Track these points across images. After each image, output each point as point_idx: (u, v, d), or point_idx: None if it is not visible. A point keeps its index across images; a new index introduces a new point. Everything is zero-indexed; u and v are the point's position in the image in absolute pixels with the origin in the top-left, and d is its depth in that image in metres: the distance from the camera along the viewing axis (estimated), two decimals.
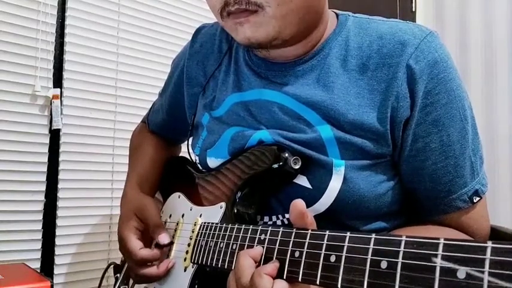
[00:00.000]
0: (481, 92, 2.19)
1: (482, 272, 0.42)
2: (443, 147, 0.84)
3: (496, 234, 0.99)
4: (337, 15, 0.95)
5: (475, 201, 0.87)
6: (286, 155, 0.83)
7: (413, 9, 2.35)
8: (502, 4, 2.19)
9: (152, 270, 0.97)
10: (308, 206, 0.84)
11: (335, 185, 0.83)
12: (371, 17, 0.92)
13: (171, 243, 0.98)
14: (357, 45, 0.87)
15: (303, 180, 0.85)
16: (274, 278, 0.65)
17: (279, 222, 0.89)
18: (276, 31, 0.83)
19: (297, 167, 0.83)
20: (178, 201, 1.06)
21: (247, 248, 0.74)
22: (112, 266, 1.23)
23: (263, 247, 0.71)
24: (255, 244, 0.73)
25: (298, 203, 0.67)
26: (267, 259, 0.69)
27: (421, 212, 0.91)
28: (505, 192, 2.12)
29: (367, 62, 0.85)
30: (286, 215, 0.88)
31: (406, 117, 0.83)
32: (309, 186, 0.85)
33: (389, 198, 0.87)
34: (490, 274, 0.41)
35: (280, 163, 0.84)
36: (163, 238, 0.97)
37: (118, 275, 1.13)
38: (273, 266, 0.66)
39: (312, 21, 0.88)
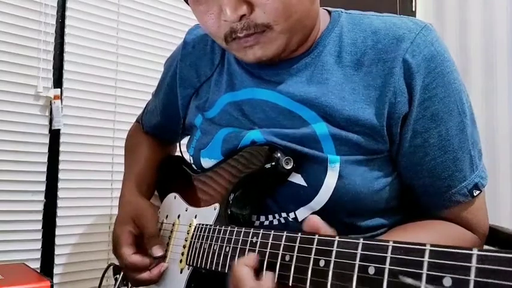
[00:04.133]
0: (481, 92, 2.18)
1: (468, 281, 0.42)
2: (442, 142, 0.83)
3: (496, 234, 0.99)
4: (329, 12, 0.94)
5: (474, 194, 0.86)
6: (278, 155, 0.83)
7: (413, 9, 2.35)
8: (502, 4, 2.18)
9: (145, 275, 0.97)
10: (304, 204, 0.84)
11: (330, 181, 0.82)
12: (364, 12, 0.92)
13: (164, 256, 0.98)
14: (350, 41, 0.87)
15: (297, 178, 0.84)
16: None
17: (275, 222, 0.89)
18: (285, 44, 0.83)
19: (288, 167, 0.83)
20: (174, 202, 1.05)
21: (239, 251, 0.74)
22: (112, 266, 1.23)
23: (255, 250, 0.70)
24: (247, 247, 0.72)
25: (312, 222, 0.66)
26: (259, 262, 0.68)
27: (421, 207, 0.91)
28: (505, 192, 2.11)
29: (362, 58, 0.84)
30: (283, 214, 0.88)
31: (404, 113, 0.82)
32: (304, 184, 0.84)
33: (386, 194, 0.86)
34: (476, 282, 0.41)
35: (273, 163, 0.83)
36: (156, 250, 0.96)
37: (118, 275, 1.13)
38: (270, 277, 0.65)
39: (311, 24, 0.87)
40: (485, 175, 0.89)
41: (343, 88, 0.84)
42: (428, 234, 0.86)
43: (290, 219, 0.87)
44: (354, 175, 0.82)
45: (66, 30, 1.78)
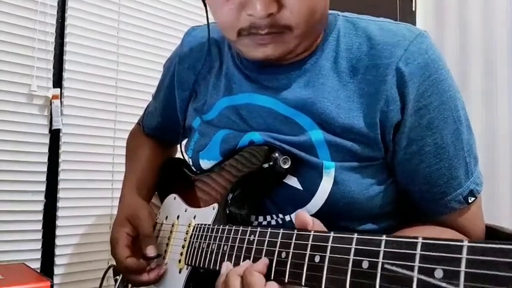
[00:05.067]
0: (481, 92, 2.18)
1: (459, 272, 0.42)
2: (437, 149, 0.83)
3: (496, 234, 0.99)
4: None
5: (470, 201, 0.86)
6: (276, 154, 0.83)
7: (414, 9, 2.35)
8: (502, 4, 2.17)
9: (143, 277, 0.97)
10: (299, 207, 0.85)
11: (326, 186, 0.82)
12: (360, 16, 0.91)
13: (159, 255, 0.98)
14: (346, 46, 0.87)
15: (293, 182, 0.85)
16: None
17: (273, 222, 0.89)
18: (295, 46, 0.84)
19: (286, 166, 0.83)
20: (173, 203, 1.06)
21: (237, 249, 0.75)
22: (112, 267, 1.24)
23: (252, 248, 0.71)
24: (245, 245, 0.73)
25: (300, 216, 0.67)
26: (256, 260, 0.69)
27: (417, 213, 0.91)
28: (505, 192, 2.11)
29: (357, 64, 0.84)
30: (280, 215, 0.88)
31: (396, 121, 0.82)
32: (300, 187, 0.84)
33: (382, 200, 0.87)
34: (466, 273, 0.42)
35: (271, 163, 0.83)
36: (150, 251, 0.97)
37: (118, 276, 1.13)
38: (263, 264, 0.66)
39: (321, 30, 0.88)
40: (480, 182, 0.88)
41: (338, 95, 0.84)
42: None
43: (287, 221, 0.87)
44: (349, 181, 0.83)
45: (67, 30, 1.79)
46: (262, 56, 0.84)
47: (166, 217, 1.06)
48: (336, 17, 0.91)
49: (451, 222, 0.88)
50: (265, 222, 0.90)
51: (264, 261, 0.67)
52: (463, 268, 0.42)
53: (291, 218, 0.87)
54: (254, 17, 0.78)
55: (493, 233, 0.98)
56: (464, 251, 0.42)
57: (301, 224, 0.66)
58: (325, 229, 0.70)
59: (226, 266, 0.74)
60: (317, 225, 0.68)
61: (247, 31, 0.82)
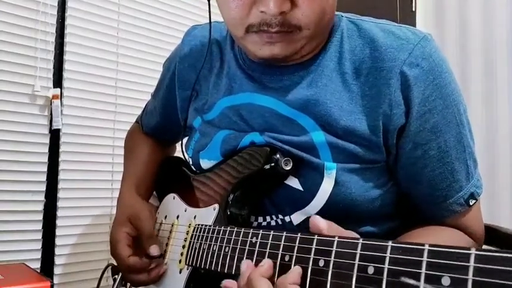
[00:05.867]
0: (481, 92, 2.18)
1: (466, 280, 0.42)
2: (440, 153, 0.83)
3: (496, 234, 1.00)
4: None
5: (471, 204, 0.86)
6: (278, 156, 0.83)
7: (413, 9, 2.34)
8: (502, 4, 2.17)
9: (143, 276, 0.97)
10: (300, 208, 0.85)
11: (326, 187, 0.82)
12: (363, 17, 0.91)
13: (161, 256, 0.98)
14: (349, 47, 0.86)
15: (294, 182, 0.85)
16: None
17: (273, 223, 0.89)
18: (301, 46, 0.83)
19: (288, 168, 0.83)
20: (173, 203, 1.06)
21: (239, 251, 0.74)
22: (110, 267, 1.24)
23: (254, 250, 0.71)
24: (247, 247, 0.73)
25: (315, 222, 0.65)
26: (258, 262, 0.68)
27: (418, 215, 0.91)
28: (505, 192, 2.11)
29: (360, 66, 0.84)
30: (280, 216, 0.88)
31: (400, 125, 0.82)
32: (301, 188, 0.84)
33: (382, 202, 0.87)
34: (474, 282, 0.42)
35: (272, 164, 0.83)
36: (154, 250, 0.97)
37: (116, 276, 1.13)
38: (297, 274, 0.61)
39: (328, 32, 0.88)
40: (480, 184, 0.89)
41: (341, 96, 0.84)
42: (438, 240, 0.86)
43: (286, 222, 0.88)
44: (350, 183, 0.83)
45: (67, 30, 1.78)
46: (269, 55, 0.83)
47: (166, 216, 1.06)
48: (340, 18, 0.91)
49: (453, 225, 0.88)
50: (264, 223, 0.90)
51: (297, 270, 0.62)
52: (470, 276, 0.42)
53: (290, 219, 0.87)
54: (266, 14, 0.77)
55: (492, 233, 0.99)
56: (472, 259, 0.42)
57: (315, 230, 0.65)
58: (343, 231, 0.69)
59: (247, 265, 0.69)
60: (334, 229, 0.67)
61: (256, 28, 0.80)
